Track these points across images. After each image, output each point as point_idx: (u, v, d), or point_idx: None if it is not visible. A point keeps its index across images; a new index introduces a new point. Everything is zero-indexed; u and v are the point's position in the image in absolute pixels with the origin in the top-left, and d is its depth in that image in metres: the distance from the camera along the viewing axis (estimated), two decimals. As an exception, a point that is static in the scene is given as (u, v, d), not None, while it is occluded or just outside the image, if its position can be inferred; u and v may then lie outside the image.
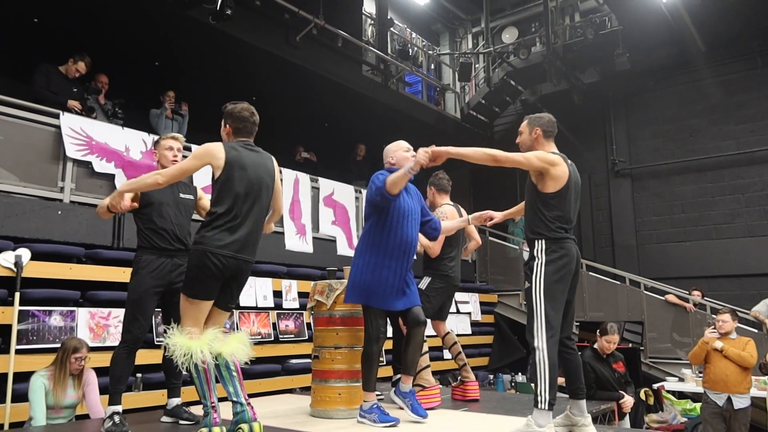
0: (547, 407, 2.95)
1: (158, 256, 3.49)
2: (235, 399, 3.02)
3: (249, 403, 3.04)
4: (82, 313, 4.45)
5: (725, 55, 10.00)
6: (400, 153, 3.66)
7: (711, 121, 10.17)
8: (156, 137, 5.70)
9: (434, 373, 6.50)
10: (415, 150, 3.42)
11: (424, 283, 4.32)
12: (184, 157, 3.53)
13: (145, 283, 3.43)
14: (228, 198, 3.06)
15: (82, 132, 5.11)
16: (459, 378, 4.60)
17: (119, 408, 3.34)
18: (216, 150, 3.11)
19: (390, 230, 3.46)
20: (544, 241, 3.11)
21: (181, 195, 3.71)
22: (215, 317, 3.16)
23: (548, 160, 3.13)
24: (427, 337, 3.85)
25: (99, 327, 4.49)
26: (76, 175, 5.06)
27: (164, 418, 3.64)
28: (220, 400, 3.05)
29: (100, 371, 3.96)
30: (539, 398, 2.96)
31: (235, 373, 3.06)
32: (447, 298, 4.50)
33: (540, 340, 2.98)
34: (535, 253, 3.12)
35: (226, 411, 3.09)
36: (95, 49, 6.22)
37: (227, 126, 3.27)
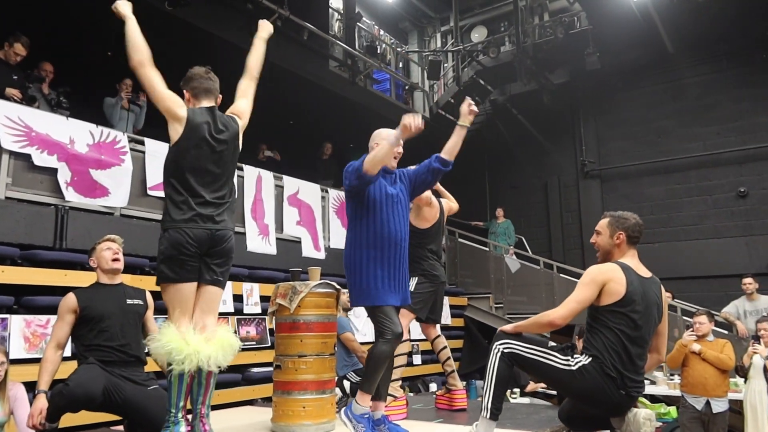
0: (489, 416, 2.78)
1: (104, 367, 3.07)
2: (191, 407, 2.75)
3: (203, 418, 2.75)
4: (16, 321, 4.01)
5: (693, 58, 10.05)
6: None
7: (679, 123, 10.19)
8: (108, 130, 5.32)
9: (403, 379, 6.27)
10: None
11: (412, 284, 4.03)
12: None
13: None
14: (188, 166, 2.76)
15: (20, 122, 4.66)
16: (445, 386, 4.34)
17: (54, 425, 2.95)
18: (182, 103, 2.83)
19: (366, 221, 3.13)
20: (591, 360, 2.70)
21: (128, 301, 3.30)
22: (205, 295, 2.82)
23: (600, 280, 2.77)
24: (415, 341, 3.54)
25: (35, 336, 4.05)
26: (13, 169, 4.61)
27: None
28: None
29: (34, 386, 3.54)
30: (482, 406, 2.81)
31: (204, 381, 2.75)
32: (437, 298, 4.25)
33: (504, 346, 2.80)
34: (572, 360, 2.74)
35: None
36: (42, 37, 5.78)
37: (186, 93, 2.96)
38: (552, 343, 2.84)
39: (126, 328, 3.18)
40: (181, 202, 2.74)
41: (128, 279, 4.77)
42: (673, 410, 6.29)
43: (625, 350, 2.68)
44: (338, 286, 3.57)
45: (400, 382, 4.00)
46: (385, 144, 3.00)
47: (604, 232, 2.96)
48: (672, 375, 6.72)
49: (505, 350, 2.80)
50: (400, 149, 3.36)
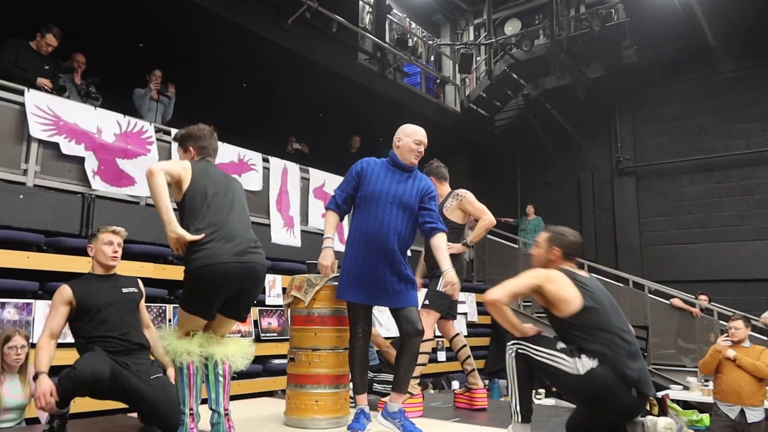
0: (521, 420, 2.78)
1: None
2: (213, 407, 2.79)
3: (227, 414, 2.78)
4: (40, 306, 4.07)
5: (735, 51, 9.64)
6: (408, 142, 3.26)
7: (720, 119, 9.80)
8: (135, 120, 5.36)
9: (426, 376, 6.17)
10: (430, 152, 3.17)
11: (441, 284, 3.98)
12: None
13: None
14: (205, 207, 2.76)
15: (49, 111, 4.72)
16: (465, 384, 4.24)
17: (64, 411, 2.97)
18: (182, 162, 2.92)
19: (356, 216, 3.23)
20: (599, 362, 2.59)
21: (124, 290, 3.27)
22: (222, 325, 2.92)
23: (543, 275, 2.75)
24: (440, 337, 3.58)
25: (59, 322, 4.10)
26: (42, 157, 4.67)
27: None
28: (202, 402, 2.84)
29: (56, 370, 3.59)
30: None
31: (222, 379, 2.80)
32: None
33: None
34: (579, 363, 2.62)
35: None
36: (75, 29, 5.85)
37: (191, 149, 3.01)
38: (561, 345, 2.70)
39: (125, 317, 3.16)
40: (206, 238, 2.68)
41: (152, 268, 4.84)
42: (705, 418, 6.07)
43: (623, 340, 2.64)
44: (355, 280, 3.50)
45: (418, 380, 3.92)
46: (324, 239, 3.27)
47: (542, 246, 2.97)
48: (706, 381, 6.48)
49: (519, 350, 2.74)
50: (422, 149, 3.29)
